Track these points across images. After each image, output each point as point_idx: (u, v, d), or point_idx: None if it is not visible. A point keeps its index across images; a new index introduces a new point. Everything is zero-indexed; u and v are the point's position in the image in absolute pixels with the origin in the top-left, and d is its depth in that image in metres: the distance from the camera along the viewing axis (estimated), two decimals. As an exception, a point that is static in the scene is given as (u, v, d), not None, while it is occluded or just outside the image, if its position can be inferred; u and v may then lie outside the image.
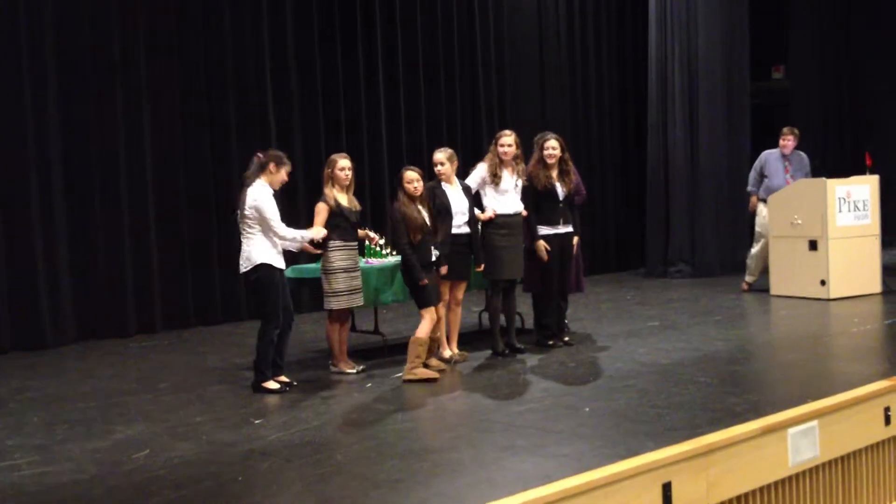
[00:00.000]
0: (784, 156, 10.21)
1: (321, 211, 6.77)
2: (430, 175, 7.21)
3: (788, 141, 10.20)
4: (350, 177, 6.92)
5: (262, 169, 6.39)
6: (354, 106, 10.74)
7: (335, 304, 6.81)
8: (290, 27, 10.25)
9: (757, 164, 10.41)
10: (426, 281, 6.72)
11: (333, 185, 6.86)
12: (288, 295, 6.57)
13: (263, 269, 6.33)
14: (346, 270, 6.81)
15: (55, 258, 8.73)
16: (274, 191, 6.45)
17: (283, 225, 6.38)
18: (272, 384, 6.40)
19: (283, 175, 6.47)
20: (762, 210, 10.19)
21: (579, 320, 8.75)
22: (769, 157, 10.30)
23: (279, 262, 6.42)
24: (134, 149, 9.18)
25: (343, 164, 6.89)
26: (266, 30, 10.05)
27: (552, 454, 4.68)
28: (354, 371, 6.90)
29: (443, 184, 7.12)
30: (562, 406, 5.69)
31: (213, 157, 9.70)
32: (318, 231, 6.62)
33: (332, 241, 6.77)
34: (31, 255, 8.58)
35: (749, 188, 10.47)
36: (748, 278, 10.37)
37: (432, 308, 6.80)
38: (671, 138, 12.29)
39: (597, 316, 9.19)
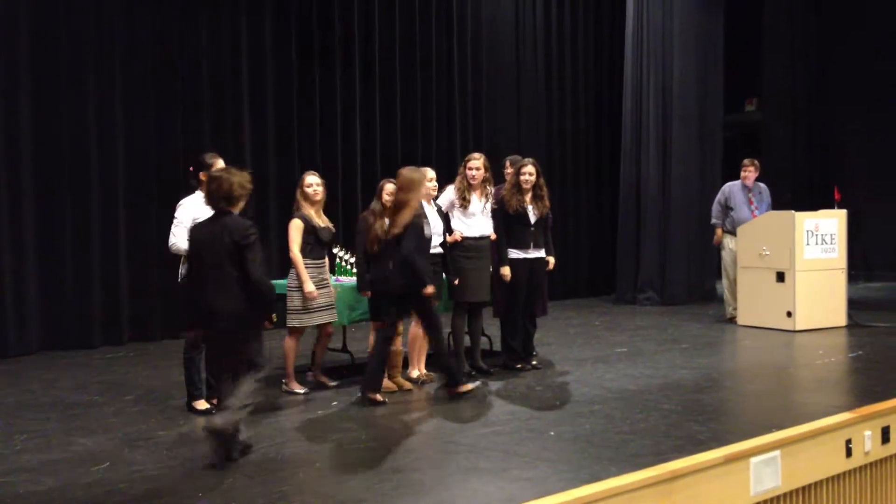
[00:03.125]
0: (747, 187, 10.29)
1: (298, 227, 6.74)
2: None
3: (750, 172, 10.28)
4: (322, 195, 6.90)
5: (200, 181, 6.22)
6: (329, 119, 10.74)
7: (295, 321, 6.76)
8: (268, 40, 10.24)
9: (720, 196, 10.46)
10: (368, 293, 6.78)
11: (305, 203, 6.84)
12: None
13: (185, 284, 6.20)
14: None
15: (22, 267, 8.63)
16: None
17: (179, 238, 6.13)
18: (201, 404, 6.21)
19: None
20: (728, 243, 10.27)
21: (547, 344, 8.76)
22: (733, 188, 10.37)
23: None
24: (105, 158, 9.12)
25: (309, 181, 6.89)
26: (244, 41, 10.03)
27: (516, 477, 4.67)
28: (303, 392, 6.79)
29: (423, 204, 7.12)
30: (527, 429, 5.69)
31: (185, 168, 9.62)
32: None
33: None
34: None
35: (713, 220, 10.52)
36: (731, 310, 10.30)
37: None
38: (644, 167, 12.39)
39: (565, 340, 9.20)
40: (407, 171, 6.65)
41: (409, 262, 6.34)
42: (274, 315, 5.25)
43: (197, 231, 5.30)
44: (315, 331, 7.06)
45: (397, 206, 6.49)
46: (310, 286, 6.66)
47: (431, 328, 6.63)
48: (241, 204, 5.28)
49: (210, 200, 5.26)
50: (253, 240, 5.10)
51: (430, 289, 6.46)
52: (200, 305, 5.17)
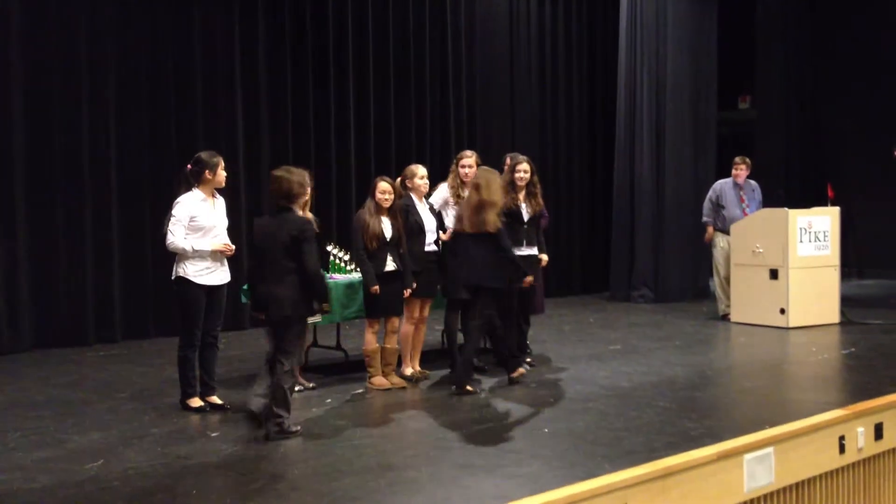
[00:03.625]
0: (738, 185, 10.29)
1: None
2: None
3: (741, 170, 10.28)
4: (309, 193, 6.86)
5: (199, 179, 6.13)
6: (324, 118, 10.72)
7: None
8: (262, 41, 10.21)
9: (711, 193, 10.44)
10: (377, 288, 6.73)
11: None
12: (216, 313, 6.21)
13: (180, 283, 6.08)
14: None
15: (15, 264, 8.61)
16: (220, 188, 6.26)
17: (177, 236, 6.01)
18: (195, 402, 6.15)
19: (221, 173, 6.18)
20: (720, 241, 10.26)
21: (541, 342, 8.77)
22: (724, 186, 10.36)
23: (204, 278, 6.07)
24: (98, 156, 9.10)
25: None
26: (237, 40, 10.00)
27: (510, 474, 4.68)
28: (298, 389, 6.72)
29: (415, 201, 7.13)
30: (521, 426, 5.70)
31: (180, 167, 9.60)
32: (218, 244, 6.14)
33: None
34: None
35: (704, 218, 10.49)
36: (723, 307, 10.29)
37: (374, 320, 6.87)
38: (637, 164, 12.39)
39: (559, 338, 9.21)
40: (483, 172, 6.99)
41: (512, 259, 6.91)
42: (325, 304, 5.81)
43: (259, 225, 5.77)
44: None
45: (481, 205, 6.72)
46: None
47: (489, 320, 6.92)
48: (301, 201, 5.81)
49: (272, 198, 5.73)
50: (309, 234, 5.56)
51: (530, 278, 7.15)
52: (258, 293, 5.70)
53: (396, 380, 6.95)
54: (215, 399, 6.25)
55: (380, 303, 6.82)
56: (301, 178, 5.75)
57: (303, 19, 10.56)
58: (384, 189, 6.83)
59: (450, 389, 6.69)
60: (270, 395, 5.58)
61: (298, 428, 5.61)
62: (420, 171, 7.18)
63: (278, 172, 5.76)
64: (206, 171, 6.13)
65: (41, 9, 8.78)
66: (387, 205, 6.83)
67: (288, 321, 5.58)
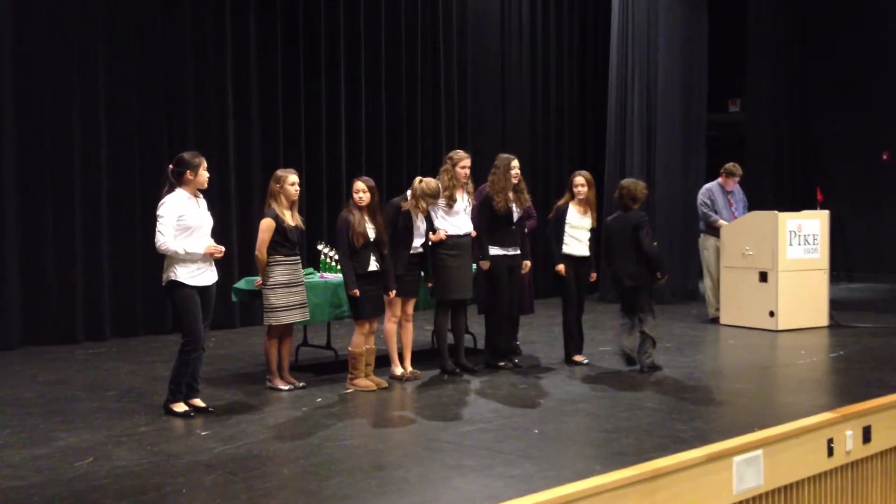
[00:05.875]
0: (725, 190, 10.33)
1: (270, 228, 6.69)
2: (390, 189, 7.17)
3: (735, 180, 10.31)
4: (295, 193, 6.85)
5: (180, 180, 6.06)
6: (314, 117, 10.71)
7: (272, 319, 6.74)
8: (253, 36, 10.21)
9: (705, 197, 10.40)
10: (356, 291, 6.72)
11: (280, 201, 6.79)
12: (205, 314, 6.13)
13: (174, 287, 6.02)
14: (286, 286, 6.74)
15: (3, 260, 8.58)
16: (203, 190, 6.20)
17: (168, 236, 5.93)
18: (180, 406, 6.07)
19: (203, 173, 6.11)
20: (715, 243, 10.26)
21: (531, 342, 8.78)
22: (714, 191, 10.39)
23: (196, 279, 6.02)
24: (88, 153, 9.07)
25: (294, 179, 6.83)
26: (228, 38, 9.99)
27: (500, 475, 4.69)
28: (287, 388, 6.77)
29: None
30: (511, 427, 5.70)
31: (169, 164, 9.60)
32: (210, 246, 6.07)
33: (272, 257, 6.70)
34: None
35: (712, 216, 10.32)
36: (713, 310, 10.30)
37: (364, 321, 6.83)
38: (628, 166, 12.41)
39: (549, 339, 9.20)
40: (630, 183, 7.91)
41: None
42: (658, 274, 7.48)
43: (612, 220, 7.75)
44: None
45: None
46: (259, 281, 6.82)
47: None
48: (639, 203, 7.64)
49: (620, 200, 7.66)
50: (643, 224, 7.48)
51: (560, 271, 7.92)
52: (612, 270, 7.78)
53: (379, 380, 6.92)
54: (198, 402, 6.17)
55: (368, 303, 6.80)
56: (642, 187, 7.71)
57: (294, 19, 10.55)
58: (358, 188, 6.82)
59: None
60: (641, 340, 7.39)
61: (660, 365, 7.45)
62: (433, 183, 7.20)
63: (625, 182, 7.76)
64: (188, 172, 6.05)
65: (31, 9, 8.74)
66: (362, 203, 6.80)
67: (638, 288, 7.45)
